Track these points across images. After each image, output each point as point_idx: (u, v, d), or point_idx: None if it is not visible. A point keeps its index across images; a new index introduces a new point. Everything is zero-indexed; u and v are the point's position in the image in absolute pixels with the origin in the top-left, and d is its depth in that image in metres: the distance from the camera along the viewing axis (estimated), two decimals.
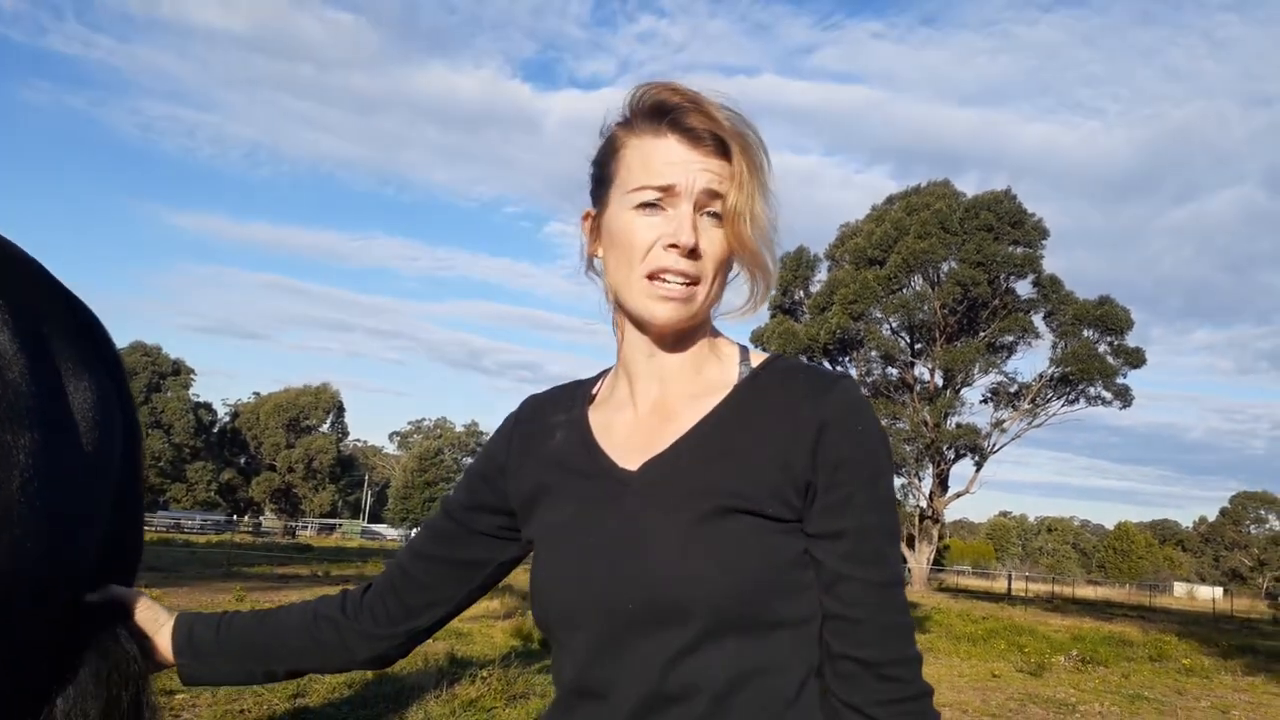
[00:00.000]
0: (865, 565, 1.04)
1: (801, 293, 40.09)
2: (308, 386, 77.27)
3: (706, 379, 1.15)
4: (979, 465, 38.04)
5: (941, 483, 38.90)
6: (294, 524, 74.08)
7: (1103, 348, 36.51)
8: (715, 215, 1.09)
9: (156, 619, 1.27)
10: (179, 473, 68.58)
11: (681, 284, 1.07)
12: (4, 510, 0.98)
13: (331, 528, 76.47)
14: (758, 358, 1.17)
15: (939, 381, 38.33)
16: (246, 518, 75.73)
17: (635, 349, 1.16)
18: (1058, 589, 54.65)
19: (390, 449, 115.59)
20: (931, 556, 40.28)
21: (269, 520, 76.16)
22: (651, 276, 1.08)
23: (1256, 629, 28.97)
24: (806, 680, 1.05)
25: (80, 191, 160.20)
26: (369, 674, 7.16)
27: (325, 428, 76.82)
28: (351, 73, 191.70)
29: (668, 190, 1.07)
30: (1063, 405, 38.10)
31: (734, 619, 1.01)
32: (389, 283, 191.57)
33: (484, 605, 15.52)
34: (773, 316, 38.64)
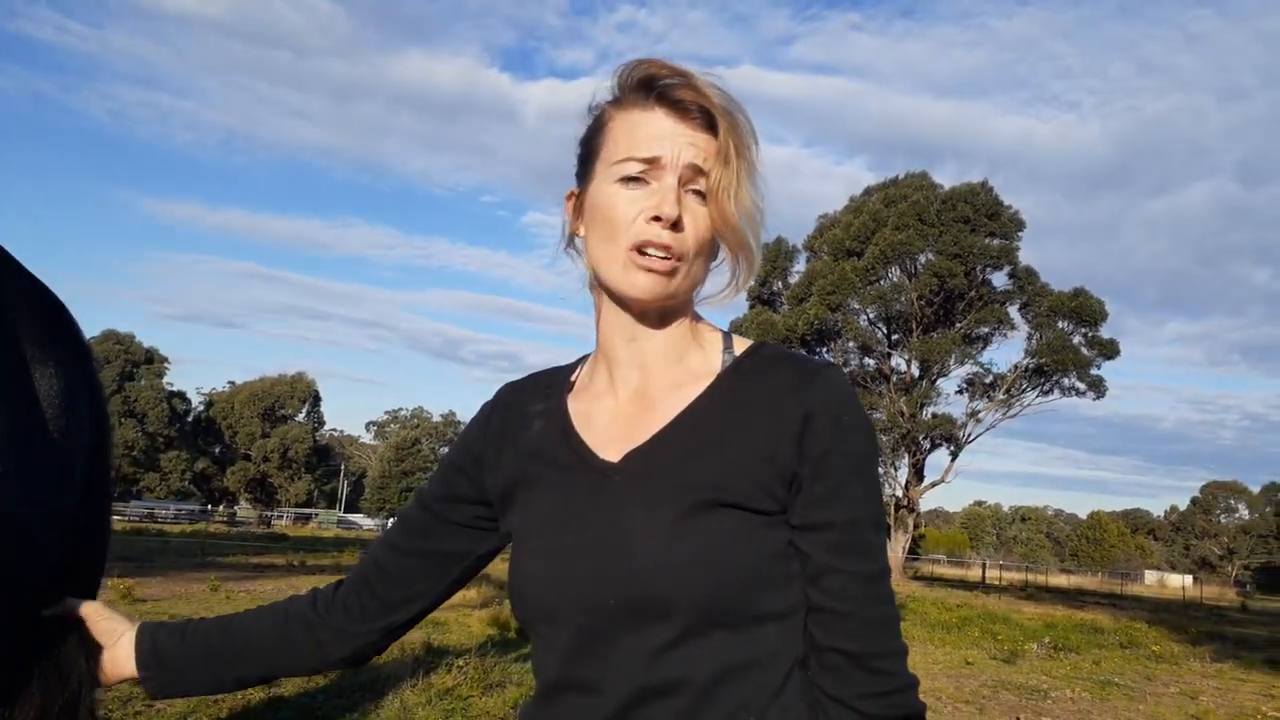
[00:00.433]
0: (852, 557, 1.02)
1: (780, 284, 40.17)
2: (283, 375, 76.83)
3: (688, 366, 1.12)
4: (954, 455, 38.30)
5: (917, 472, 39.14)
6: (269, 514, 73.63)
7: (1077, 339, 36.79)
8: (700, 194, 1.06)
9: (114, 629, 1.22)
10: (152, 462, 68.00)
11: (663, 258, 1.04)
12: None
13: (307, 517, 76.01)
14: (741, 345, 1.14)
15: (915, 372, 38.53)
16: (221, 507, 75.21)
17: (615, 331, 1.13)
18: (1031, 577, 55.19)
19: (367, 439, 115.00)
20: (907, 545, 40.53)
21: (244, 510, 75.69)
22: (633, 249, 1.05)
23: (1225, 616, 29.39)
24: (791, 672, 1.03)
25: (52, 178, 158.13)
26: None
27: (301, 417, 76.39)
28: (329, 60, 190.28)
29: (652, 163, 1.05)
30: (1037, 396, 38.41)
31: (719, 613, 0.99)
32: (366, 271, 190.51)
33: (461, 595, 15.49)
34: (751, 307, 38.74)
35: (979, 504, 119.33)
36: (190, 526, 47.72)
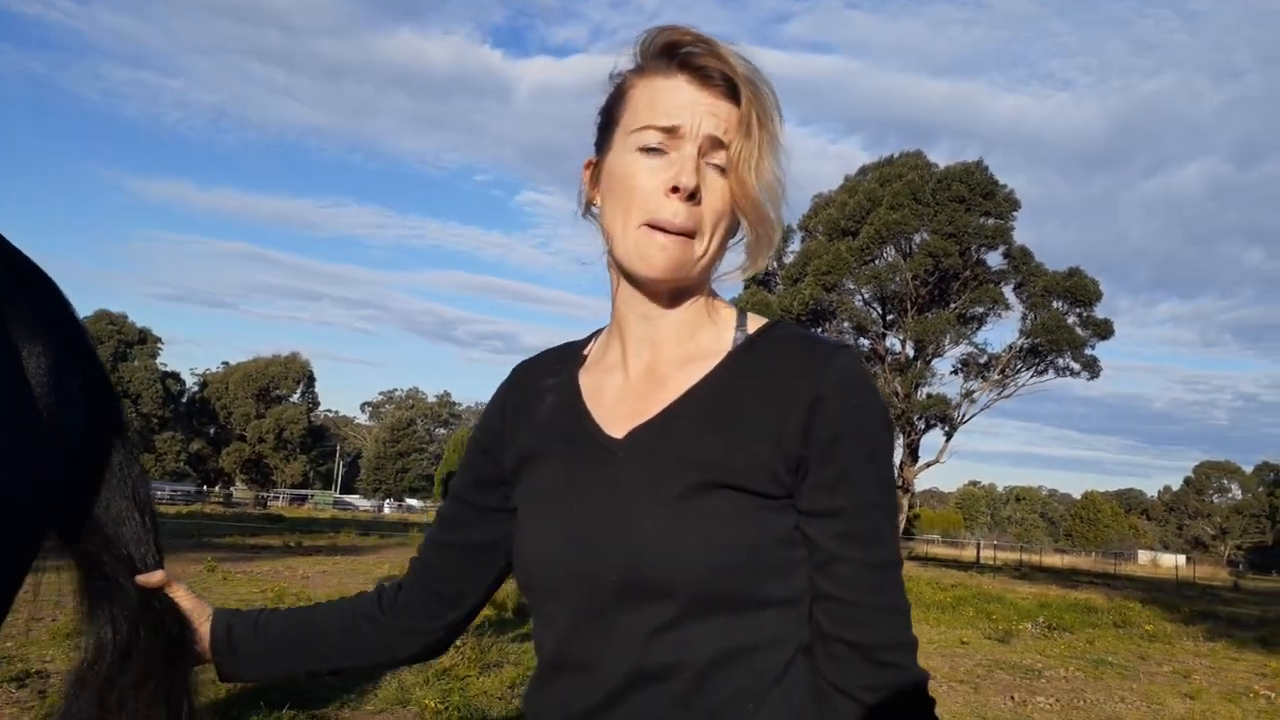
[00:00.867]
0: (861, 545, 0.99)
1: (775, 264, 40.09)
2: (277, 356, 76.60)
3: (700, 343, 1.09)
4: (949, 435, 38.36)
5: (912, 453, 39.22)
6: (265, 494, 73.68)
7: (1071, 319, 36.78)
8: (719, 168, 1.03)
9: (203, 611, 1.25)
10: (147, 443, 67.84)
11: (679, 233, 1.02)
12: None
13: (303, 498, 76.10)
14: (755, 323, 1.11)
15: (910, 352, 38.53)
16: (217, 488, 75.21)
17: (629, 307, 1.10)
18: (1025, 557, 55.47)
19: (362, 419, 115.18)
20: (901, 526, 40.67)
21: (240, 491, 75.70)
22: (648, 225, 1.02)
23: (1218, 596, 29.58)
24: (793, 659, 1.01)
25: (41, 157, 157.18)
26: None
27: (295, 398, 76.22)
28: (319, 38, 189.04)
29: (672, 132, 1.02)
30: (1032, 376, 38.43)
31: (718, 597, 0.97)
32: (358, 252, 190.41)
33: None
34: (746, 288, 38.65)
35: (973, 484, 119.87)
36: (186, 508, 47.82)
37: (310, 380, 78.07)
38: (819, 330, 38.41)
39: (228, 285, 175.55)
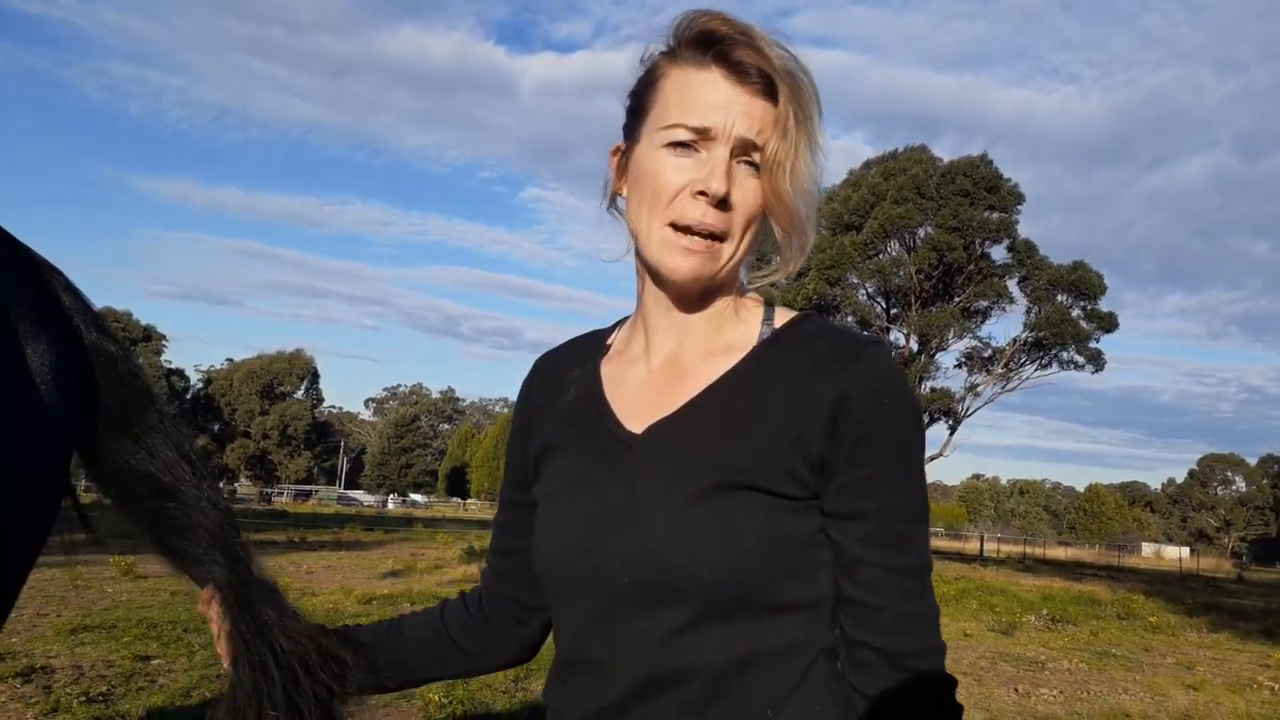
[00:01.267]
0: (888, 549, 0.95)
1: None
2: (281, 353, 76.78)
3: (725, 337, 1.06)
4: (953, 429, 38.34)
5: None
6: (269, 490, 73.77)
7: (1076, 312, 36.72)
8: (753, 165, 0.98)
9: None
10: None
11: (706, 238, 0.97)
12: None
13: (307, 494, 76.15)
14: (783, 316, 1.06)
15: (914, 346, 38.49)
16: (221, 484, 74.91)
17: (654, 301, 1.07)
18: (1029, 550, 55.40)
19: (366, 415, 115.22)
20: None
21: (244, 487, 75.77)
22: (674, 226, 0.98)
23: (1221, 588, 29.55)
24: (815, 662, 0.97)
25: (44, 155, 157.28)
26: None
27: (300, 394, 76.41)
28: (322, 35, 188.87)
29: (703, 133, 0.97)
30: (1036, 369, 38.37)
31: (735, 600, 0.93)
32: (362, 248, 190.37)
33: (462, 569, 15.57)
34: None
35: (977, 477, 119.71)
36: None
37: (314, 376, 78.25)
38: None
39: (232, 282, 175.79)
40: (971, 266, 36.99)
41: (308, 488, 78.97)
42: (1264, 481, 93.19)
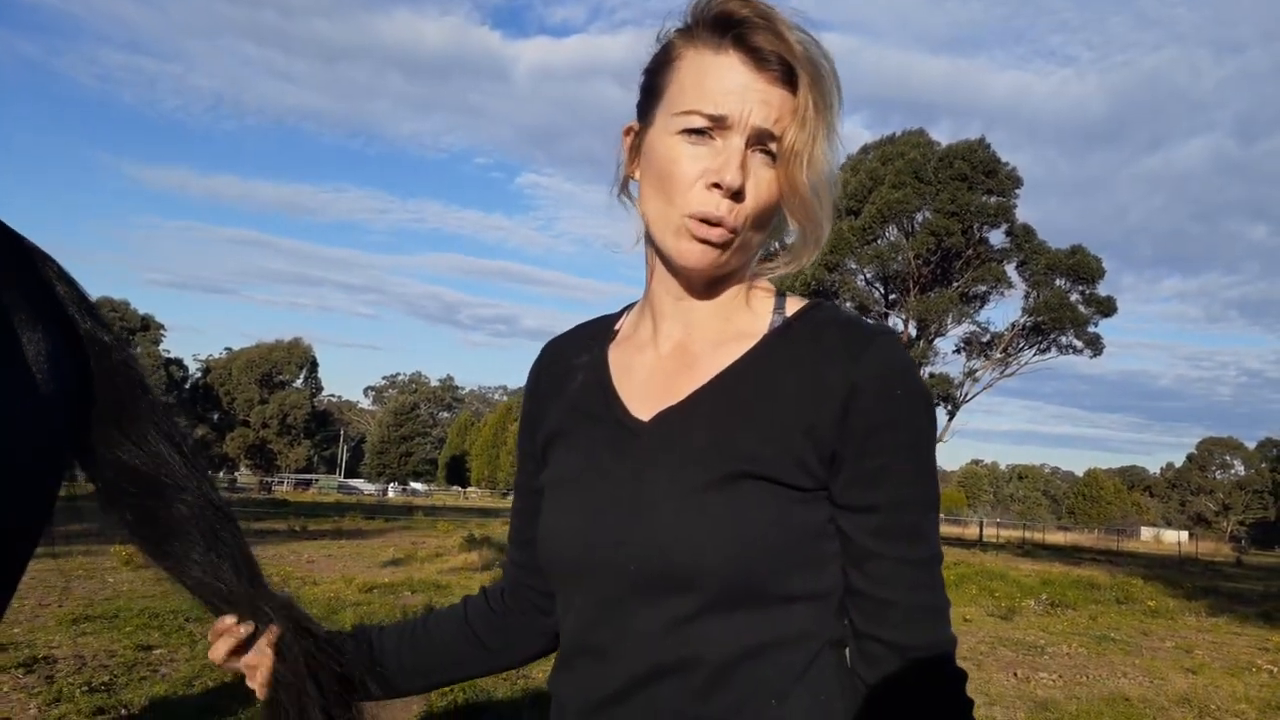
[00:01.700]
0: (899, 542, 0.94)
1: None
2: (280, 341, 76.76)
3: (735, 325, 1.04)
4: (951, 414, 38.39)
5: None
6: (269, 480, 73.88)
7: (1074, 297, 36.76)
8: (770, 154, 0.96)
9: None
10: None
11: (719, 229, 0.96)
12: None
13: (307, 483, 76.24)
14: (795, 305, 1.05)
15: (913, 332, 38.51)
16: (221, 474, 75.39)
17: (664, 287, 1.06)
18: (1028, 535, 55.56)
19: (365, 404, 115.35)
20: None
21: (244, 476, 75.92)
22: (687, 216, 0.96)
23: (1220, 572, 29.63)
24: (820, 652, 0.96)
25: (38, 143, 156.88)
26: (347, 625, 7.18)
27: (299, 383, 76.45)
28: (315, 19, 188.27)
29: (719, 121, 0.94)
30: (1034, 354, 38.44)
31: (741, 591, 0.92)
32: (359, 236, 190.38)
33: (463, 557, 15.57)
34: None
35: (976, 463, 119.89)
36: None
37: (313, 365, 78.26)
38: None
39: (229, 271, 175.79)
40: (970, 251, 36.98)
41: (308, 477, 79.10)
42: (1263, 465, 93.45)
